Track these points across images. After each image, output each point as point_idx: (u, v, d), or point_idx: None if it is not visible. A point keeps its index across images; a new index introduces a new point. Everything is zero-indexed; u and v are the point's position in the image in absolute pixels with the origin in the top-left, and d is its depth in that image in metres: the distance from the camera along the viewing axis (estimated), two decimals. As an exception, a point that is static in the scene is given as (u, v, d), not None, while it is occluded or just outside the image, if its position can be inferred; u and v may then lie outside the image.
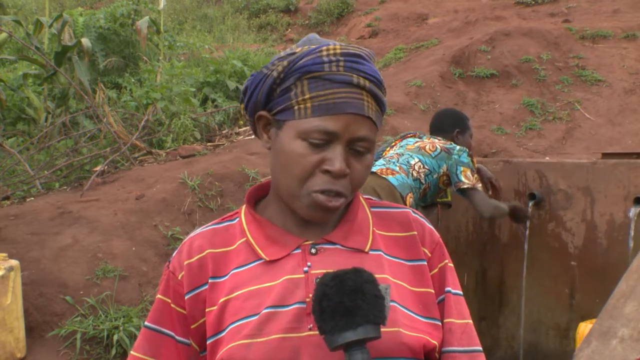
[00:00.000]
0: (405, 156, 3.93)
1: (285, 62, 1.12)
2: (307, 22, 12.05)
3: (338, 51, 1.11)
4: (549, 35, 8.04)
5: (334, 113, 1.08)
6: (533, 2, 9.99)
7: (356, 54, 1.12)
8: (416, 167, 3.87)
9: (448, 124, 4.18)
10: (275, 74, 1.12)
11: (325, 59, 1.10)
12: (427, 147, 3.97)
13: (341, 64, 1.10)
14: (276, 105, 1.13)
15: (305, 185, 1.10)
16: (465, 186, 3.87)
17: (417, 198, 3.86)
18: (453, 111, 4.53)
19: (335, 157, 1.08)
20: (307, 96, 1.09)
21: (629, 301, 3.10)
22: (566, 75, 7.46)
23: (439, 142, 4.02)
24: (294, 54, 1.13)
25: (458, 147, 3.98)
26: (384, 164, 3.87)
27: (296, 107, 1.10)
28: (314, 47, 1.12)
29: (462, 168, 3.92)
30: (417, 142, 4.06)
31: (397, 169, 3.83)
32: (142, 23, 7.18)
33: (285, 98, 1.11)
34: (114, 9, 7.90)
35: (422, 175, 3.85)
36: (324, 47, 1.11)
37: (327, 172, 1.09)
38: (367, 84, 1.11)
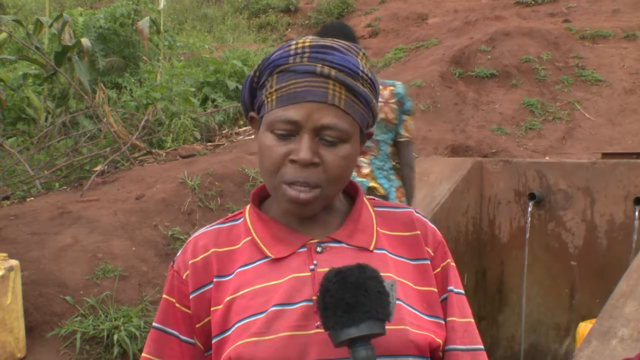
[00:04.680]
0: (382, 146, 3.43)
1: (260, 61, 1.16)
2: (307, 22, 12.05)
3: (307, 44, 1.13)
4: (549, 35, 8.05)
5: (295, 102, 1.09)
6: (533, 2, 9.99)
7: (326, 45, 1.12)
8: (390, 150, 3.41)
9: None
10: (252, 73, 1.16)
11: (292, 52, 1.12)
12: (390, 117, 3.36)
13: (306, 55, 1.11)
14: (257, 103, 1.16)
15: (276, 177, 1.11)
16: None
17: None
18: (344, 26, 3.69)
19: (301, 147, 1.09)
20: (273, 89, 1.12)
21: (629, 301, 3.10)
22: (566, 75, 7.46)
23: (389, 99, 3.37)
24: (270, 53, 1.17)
25: (401, 88, 3.35)
26: (390, 185, 3.43)
27: (266, 102, 1.13)
28: (287, 42, 1.15)
29: None
30: None
31: (396, 178, 3.42)
32: (144, 23, 7.19)
33: (261, 94, 1.14)
34: (114, 9, 7.90)
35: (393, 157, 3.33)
36: (294, 42, 1.14)
37: (293, 161, 1.10)
38: (333, 72, 1.10)
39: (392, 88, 3.26)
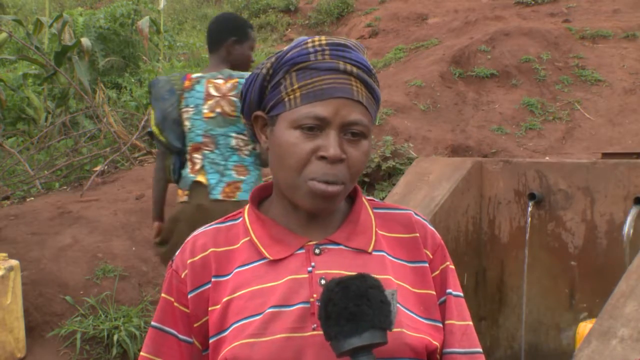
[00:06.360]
0: (221, 140, 3.09)
1: (273, 59, 1.15)
2: (307, 22, 12.05)
3: (323, 42, 1.13)
4: (549, 35, 8.05)
5: (322, 98, 1.09)
6: (533, 2, 9.99)
7: (342, 43, 1.14)
8: (240, 144, 3.09)
9: (223, 31, 3.22)
10: (264, 71, 1.15)
11: (311, 49, 1.12)
12: (227, 110, 3.07)
13: (327, 52, 1.12)
14: (269, 102, 1.15)
15: (302, 175, 1.10)
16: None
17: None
18: (230, 16, 3.64)
19: (330, 143, 1.09)
20: (295, 86, 1.11)
21: (629, 301, 3.10)
22: (566, 75, 7.46)
23: (228, 92, 3.09)
24: (281, 51, 1.15)
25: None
26: (220, 179, 3.09)
27: (286, 99, 1.11)
28: (299, 41, 1.15)
29: None
30: (210, 105, 3.09)
31: (235, 174, 3.07)
32: (144, 23, 7.19)
33: (276, 92, 1.13)
34: (114, 9, 7.91)
35: (250, 146, 3.11)
36: (310, 40, 1.14)
37: (322, 158, 1.09)
38: (355, 70, 1.12)
39: (236, 80, 3.07)
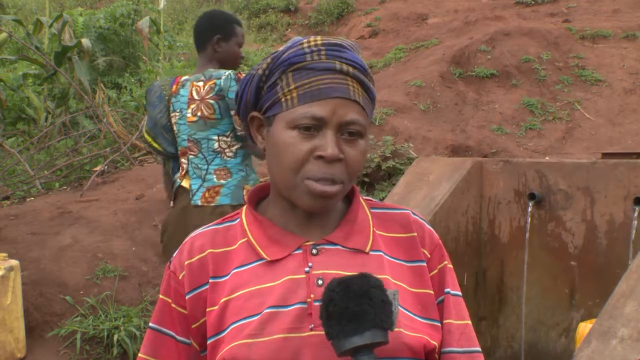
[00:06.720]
0: (204, 144, 3.05)
1: (269, 60, 1.15)
2: (307, 22, 12.06)
3: (319, 42, 1.14)
4: (549, 35, 8.05)
5: (319, 98, 1.10)
6: (533, 2, 9.99)
7: (337, 43, 1.14)
8: (223, 146, 3.04)
9: (207, 30, 3.13)
10: (260, 72, 1.15)
11: (307, 49, 1.12)
12: (206, 114, 3.01)
13: (323, 52, 1.12)
14: (265, 103, 1.15)
15: (299, 174, 1.11)
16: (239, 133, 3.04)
17: (252, 169, 3.16)
18: (215, 13, 3.53)
19: (327, 142, 1.09)
20: (292, 87, 1.11)
21: (629, 301, 3.10)
22: (566, 75, 7.46)
23: (206, 95, 3.02)
24: (277, 52, 1.16)
25: (223, 80, 2.99)
26: (201, 185, 3.06)
27: (283, 100, 1.12)
28: (295, 41, 1.15)
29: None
30: (192, 109, 3.05)
31: (215, 178, 3.02)
32: (144, 23, 7.19)
33: (272, 93, 1.13)
34: (114, 9, 7.91)
35: (235, 146, 3.05)
36: (305, 40, 1.14)
37: (320, 157, 1.10)
38: (351, 69, 1.12)
39: (214, 82, 3.01)
